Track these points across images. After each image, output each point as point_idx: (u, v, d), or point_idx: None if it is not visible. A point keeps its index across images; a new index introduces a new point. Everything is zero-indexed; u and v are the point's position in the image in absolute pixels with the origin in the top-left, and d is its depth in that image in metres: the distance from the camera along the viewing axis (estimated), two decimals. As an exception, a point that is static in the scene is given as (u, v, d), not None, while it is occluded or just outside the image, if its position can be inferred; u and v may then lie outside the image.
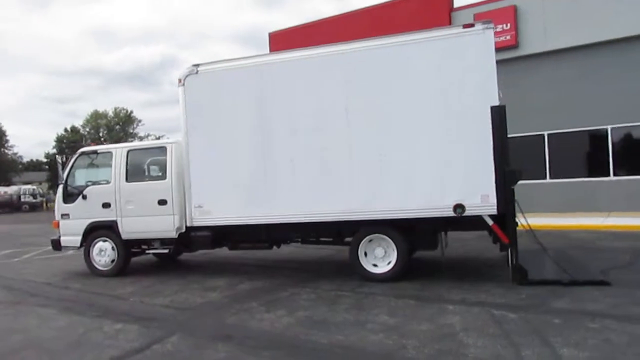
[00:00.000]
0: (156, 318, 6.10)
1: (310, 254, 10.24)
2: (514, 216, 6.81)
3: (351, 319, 5.61)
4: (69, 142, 65.74)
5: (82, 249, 9.01)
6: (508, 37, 16.13)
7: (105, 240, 8.84)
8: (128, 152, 8.80)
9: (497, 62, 16.15)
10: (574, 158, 15.72)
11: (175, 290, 7.56)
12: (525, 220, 8.70)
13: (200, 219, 8.08)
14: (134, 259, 9.26)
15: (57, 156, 9.59)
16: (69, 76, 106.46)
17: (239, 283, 7.84)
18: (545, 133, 15.96)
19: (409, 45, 7.13)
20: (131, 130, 73.54)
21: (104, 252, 8.86)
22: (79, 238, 8.91)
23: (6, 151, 67.83)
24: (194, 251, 9.25)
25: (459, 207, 6.89)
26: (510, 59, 16.30)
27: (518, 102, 16.14)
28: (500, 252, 8.58)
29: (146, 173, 8.86)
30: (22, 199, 44.87)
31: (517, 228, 7.30)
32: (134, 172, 8.76)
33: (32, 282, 8.73)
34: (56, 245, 9.18)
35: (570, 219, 13.66)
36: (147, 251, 8.87)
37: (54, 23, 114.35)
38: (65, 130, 72.96)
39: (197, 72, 8.03)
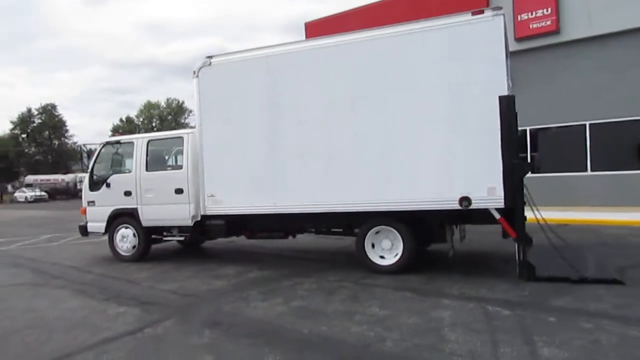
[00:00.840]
0: (159, 303, 6.33)
1: (329, 244, 10.26)
2: (523, 210, 6.57)
3: (342, 310, 5.61)
4: (123, 132, 68.76)
5: (107, 235, 9.44)
6: (549, 23, 15.39)
7: (127, 227, 9.23)
8: (148, 142, 9.12)
9: (537, 49, 15.81)
10: (617, 149, 14.87)
11: (186, 277, 7.81)
12: (539, 214, 8.46)
13: (213, 208, 8.28)
14: (160, 245, 9.62)
15: (82, 146, 9.99)
16: (125, 68, 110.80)
17: (249, 272, 7.99)
18: (587, 123, 15.17)
19: (415, 34, 6.97)
20: (182, 120, 75.82)
21: (125, 239, 9.26)
22: (104, 224, 9.36)
23: (66, 141, 71.60)
24: (211, 239, 9.49)
25: (465, 200, 6.72)
26: (551, 45, 15.64)
27: (558, 90, 15.54)
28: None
29: (165, 162, 9.15)
30: (78, 187, 47.31)
31: (539, 222, 7.07)
32: (154, 162, 9.08)
33: (59, 266, 9.26)
34: (83, 230, 9.69)
35: (609, 213, 12.96)
36: (164, 238, 9.16)
37: (111, 17, 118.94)
38: (121, 120, 76.30)
39: (210, 64, 8.19)
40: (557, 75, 15.64)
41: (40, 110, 70.92)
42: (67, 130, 73.00)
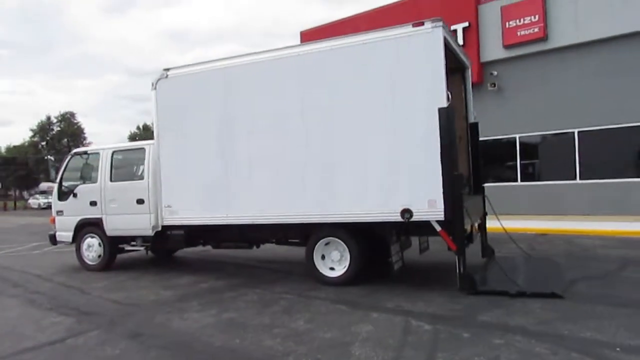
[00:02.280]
0: (98, 313, 6.42)
1: (299, 254, 10.21)
2: (462, 223, 6.50)
3: (267, 323, 5.61)
4: (141, 140, 69.86)
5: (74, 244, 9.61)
6: (536, 30, 15.24)
7: (93, 237, 9.39)
8: (113, 152, 9.28)
9: (526, 56, 15.63)
10: (606, 157, 14.57)
11: (139, 287, 7.90)
12: (500, 223, 8.36)
13: (170, 219, 8.37)
14: (133, 255, 9.73)
15: (49, 158, 10.23)
16: (145, 76, 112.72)
17: (203, 282, 8.05)
18: (576, 131, 14.93)
19: (359, 47, 6.96)
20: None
21: (91, 248, 9.41)
22: (71, 234, 9.53)
23: (85, 148, 72.88)
24: (172, 249, 9.59)
25: (406, 212, 6.67)
26: (539, 53, 15.46)
27: (547, 98, 15.35)
28: (481, 258, 8.37)
29: (128, 173, 9.28)
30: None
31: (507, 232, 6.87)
32: (118, 172, 9.23)
33: (27, 274, 9.44)
34: (52, 239, 9.90)
35: (594, 223, 12.69)
36: (126, 248, 9.29)
37: (132, 26, 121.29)
38: (138, 127, 77.41)
39: (167, 77, 8.31)
40: (546, 82, 15.43)
41: (60, 118, 72.55)
42: (85, 138, 74.46)
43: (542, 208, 15.26)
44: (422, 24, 6.64)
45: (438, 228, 6.58)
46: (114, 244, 9.31)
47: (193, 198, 8.15)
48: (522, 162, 16.04)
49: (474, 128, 8.82)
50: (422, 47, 6.58)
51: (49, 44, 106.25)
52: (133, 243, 9.28)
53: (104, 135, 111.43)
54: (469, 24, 16.34)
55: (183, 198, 8.24)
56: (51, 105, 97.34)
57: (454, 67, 8.55)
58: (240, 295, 7.05)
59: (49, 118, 71.91)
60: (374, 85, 6.87)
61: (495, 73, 16.25)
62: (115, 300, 7.09)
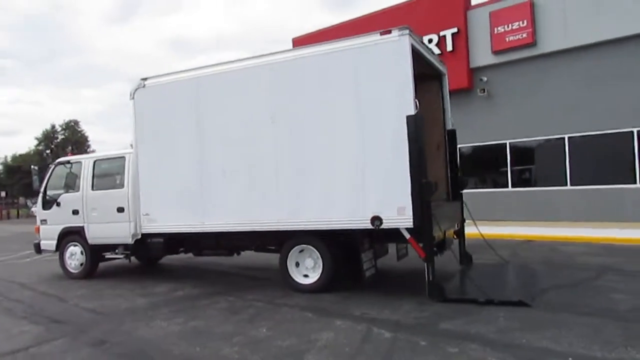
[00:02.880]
0: (69, 321, 6.47)
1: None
2: (431, 230, 6.50)
3: (230, 331, 5.64)
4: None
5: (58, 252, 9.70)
6: (525, 35, 15.21)
7: (75, 245, 9.47)
8: (94, 162, 9.38)
9: (514, 61, 15.63)
10: (597, 163, 14.50)
11: (116, 295, 7.95)
12: (478, 230, 8.36)
13: (148, 227, 8.43)
14: (117, 262, 9.80)
15: (32, 167, 10.31)
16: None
17: (179, 289, 8.10)
18: (566, 136, 14.86)
19: (327, 55, 7.01)
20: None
21: (74, 256, 9.49)
22: (55, 242, 9.62)
23: (88, 156, 73.29)
24: (153, 257, 9.65)
25: (376, 220, 6.68)
26: (528, 58, 15.44)
27: (536, 103, 15.34)
28: (459, 265, 8.36)
29: (109, 182, 9.35)
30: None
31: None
32: (99, 181, 9.32)
33: (11, 283, 9.51)
34: (37, 248, 9.99)
35: (582, 229, 12.61)
36: (106, 256, 9.36)
37: (135, 35, 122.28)
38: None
39: (144, 86, 8.40)
40: (536, 87, 15.41)
41: (64, 127, 73.18)
42: (89, 146, 74.98)
43: (533, 214, 15.21)
44: (390, 32, 6.68)
45: (407, 235, 6.59)
46: (96, 252, 9.38)
47: (170, 206, 8.22)
48: (512, 167, 15.99)
49: (451, 135, 8.84)
50: (389, 55, 6.61)
51: (53, 54, 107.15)
52: (117, 251, 9.35)
53: (109, 143, 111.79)
54: (458, 29, 16.35)
55: (160, 206, 8.30)
56: (57, 115, 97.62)
57: (430, 75, 8.59)
58: (212, 302, 7.09)
59: (53, 126, 72.52)
60: (342, 93, 6.90)
61: (485, 79, 16.24)
62: (89, 308, 7.15)
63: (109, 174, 9.36)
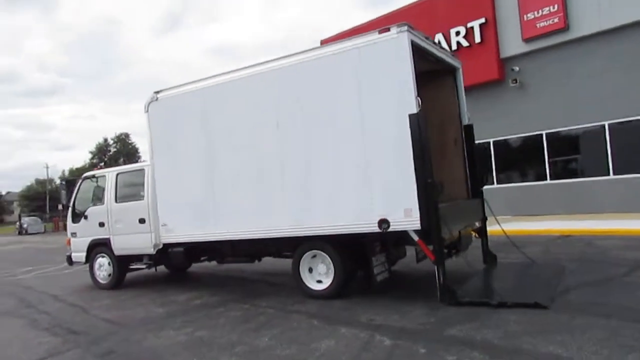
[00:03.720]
0: (85, 332, 6.66)
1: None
2: (440, 232, 6.27)
3: (234, 340, 5.63)
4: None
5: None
6: (556, 20, 14.54)
7: (103, 256, 9.79)
8: (117, 175, 9.66)
9: (546, 48, 14.97)
10: (641, 150, 13.65)
11: (137, 304, 8.14)
12: (500, 227, 8.04)
13: (166, 237, 8.59)
14: (146, 272, 10.08)
15: (60, 181, 10.75)
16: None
17: (198, 298, 8.19)
18: (606, 123, 14.06)
19: (328, 58, 6.92)
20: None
21: (102, 267, 9.81)
22: (84, 254, 9.98)
23: (139, 167, 76.09)
24: (175, 267, 9.84)
25: (384, 223, 6.51)
26: (560, 44, 14.75)
27: (572, 91, 14.61)
28: (483, 265, 8.08)
29: (131, 194, 9.60)
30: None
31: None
32: (122, 193, 9.59)
33: (44, 294, 9.93)
34: (69, 260, 10.38)
35: (625, 221, 11.89)
36: (130, 267, 9.61)
37: (180, 45, 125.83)
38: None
39: (157, 99, 8.57)
40: (571, 74, 14.68)
41: (115, 140, 76.40)
42: (139, 157, 77.85)
43: (573, 207, 14.49)
44: (388, 29, 6.50)
45: (415, 237, 6.39)
46: (122, 263, 9.66)
47: (185, 216, 8.34)
48: (550, 159, 15.29)
49: (468, 130, 8.52)
50: (389, 53, 6.43)
51: (107, 69, 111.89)
52: (145, 261, 9.58)
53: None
54: (486, 19, 15.82)
55: (176, 216, 8.44)
56: (110, 128, 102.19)
57: (442, 70, 8.32)
58: (226, 310, 7.12)
59: (105, 140, 75.92)
60: (345, 95, 6.78)
61: (516, 69, 15.63)
62: (108, 319, 7.33)
63: (130, 186, 9.61)
